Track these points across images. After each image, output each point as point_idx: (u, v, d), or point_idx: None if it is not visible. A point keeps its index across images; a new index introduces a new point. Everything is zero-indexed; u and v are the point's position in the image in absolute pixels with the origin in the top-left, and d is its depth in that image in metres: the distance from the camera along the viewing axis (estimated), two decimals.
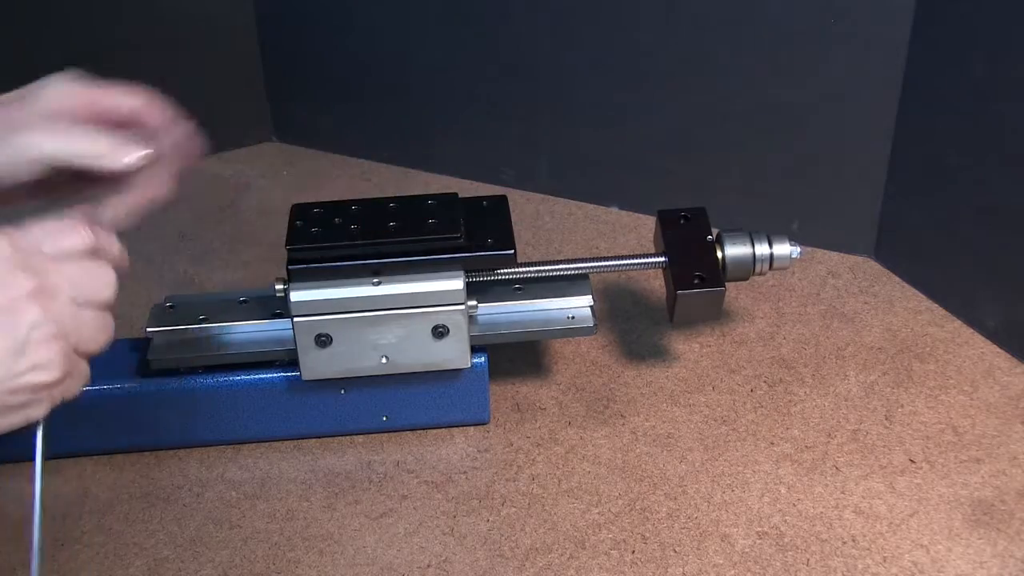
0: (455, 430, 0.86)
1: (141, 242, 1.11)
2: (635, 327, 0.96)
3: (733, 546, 0.75)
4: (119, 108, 0.68)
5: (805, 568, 0.74)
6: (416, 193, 0.82)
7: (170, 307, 0.84)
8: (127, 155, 0.66)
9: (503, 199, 0.85)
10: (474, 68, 1.13)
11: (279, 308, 0.82)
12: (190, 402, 0.82)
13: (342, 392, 0.83)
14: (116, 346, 0.85)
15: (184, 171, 0.72)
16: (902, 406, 0.87)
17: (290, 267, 0.77)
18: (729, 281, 0.84)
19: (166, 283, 1.04)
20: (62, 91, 0.67)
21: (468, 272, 0.80)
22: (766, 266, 0.84)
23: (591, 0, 1.04)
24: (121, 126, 0.68)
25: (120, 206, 0.69)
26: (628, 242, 1.08)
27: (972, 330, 0.94)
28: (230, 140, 1.26)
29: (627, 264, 0.85)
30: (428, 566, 0.75)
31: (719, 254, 0.84)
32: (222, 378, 0.82)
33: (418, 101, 1.17)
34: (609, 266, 0.85)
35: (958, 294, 0.96)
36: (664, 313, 0.86)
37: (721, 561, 0.74)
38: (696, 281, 0.82)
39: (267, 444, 0.85)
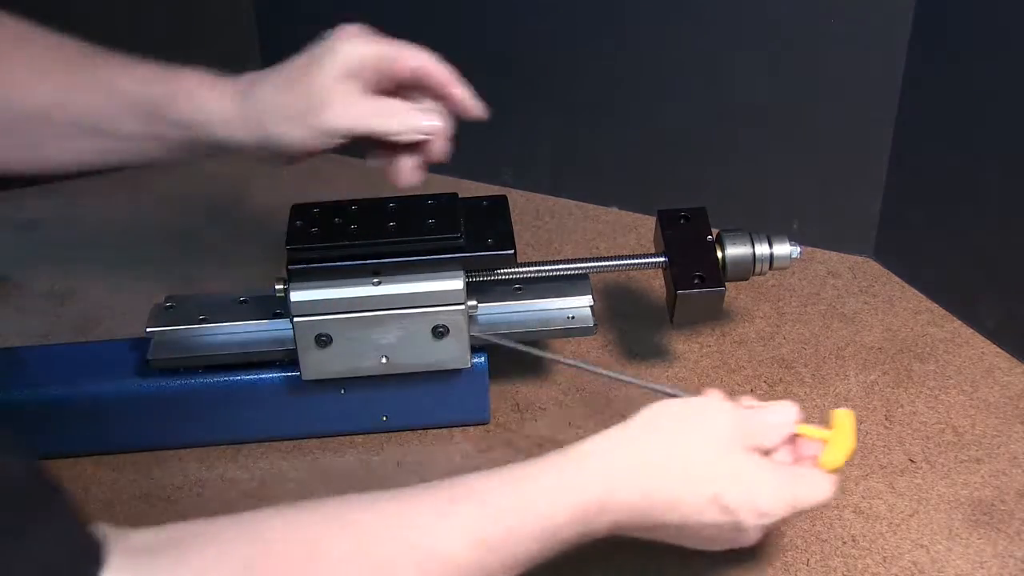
0: (455, 430, 0.86)
1: (141, 242, 1.11)
2: (635, 327, 0.96)
3: None
4: (405, 68, 0.74)
5: (805, 568, 0.73)
6: (416, 193, 0.82)
7: (170, 307, 0.84)
8: (419, 129, 0.73)
9: (503, 199, 0.85)
10: (474, 68, 1.13)
11: (279, 308, 0.82)
12: (190, 402, 0.82)
13: (342, 392, 0.83)
14: (116, 346, 0.86)
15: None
16: (902, 406, 0.87)
17: (290, 267, 0.77)
18: (729, 281, 0.84)
19: (166, 283, 1.04)
20: (354, 53, 0.73)
21: (468, 272, 0.80)
22: (766, 266, 0.84)
23: (591, 0, 1.04)
24: (407, 85, 0.74)
25: (406, 167, 0.77)
26: (628, 242, 1.08)
27: (972, 330, 0.94)
28: None
29: (627, 264, 0.85)
30: None
31: (719, 254, 0.84)
32: (222, 378, 0.82)
33: None
34: (609, 266, 0.85)
35: (958, 294, 0.96)
36: (664, 313, 0.86)
37: (721, 561, 0.74)
38: (696, 281, 0.82)
39: (267, 444, 0.85)
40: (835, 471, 0.67)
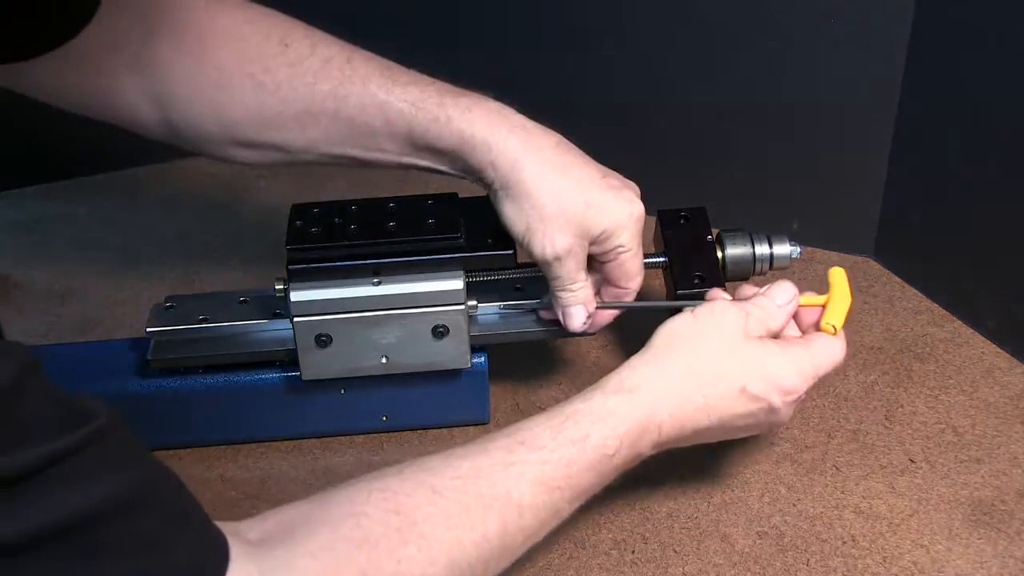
0: (455, 430, 0.86)
1: (141, 242, 1.11)
2: (635, 328, 0.96)
3: (733, 546, 0.75)
4: (620, 279, 0.80)
5: (805, 568, 0.74)
6: (416, 193, 0.82)
7: (170, 307, 0.84)
8: (563, 312, 0.78)
9: None
10: (473, 67, 1.13)
11: (279, 308, 0.82)
12: (190, 402, 0.82)
13: (342, 392, 0.83)
14: (116, 346, 0.86)
15: None
16: (902, 406, 0.87)
17: (290, 267, 0.77)
18: (729, 281, 0.84)
19: (166, 283, 1.04)
20: (623, 242, 0.78)
21: (468, 272, 0.80)
22: (766, 266, 0.84)
23: (591, 0, 1.04)
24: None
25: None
26: None
27: (972, 330, 0.94)
28: None
29: None
30: None
31: (719, 254, 0.84)
32: (222, 378, 0.82)
33: None
34: None
35: (958, 294, 0.96)
36: (665, 314, 0.86)
37: (721, 561, 0.74)
38: (696, 281, 0.82)
39: (267, 444, 0.85)
40: (839, 329, 0.72)
